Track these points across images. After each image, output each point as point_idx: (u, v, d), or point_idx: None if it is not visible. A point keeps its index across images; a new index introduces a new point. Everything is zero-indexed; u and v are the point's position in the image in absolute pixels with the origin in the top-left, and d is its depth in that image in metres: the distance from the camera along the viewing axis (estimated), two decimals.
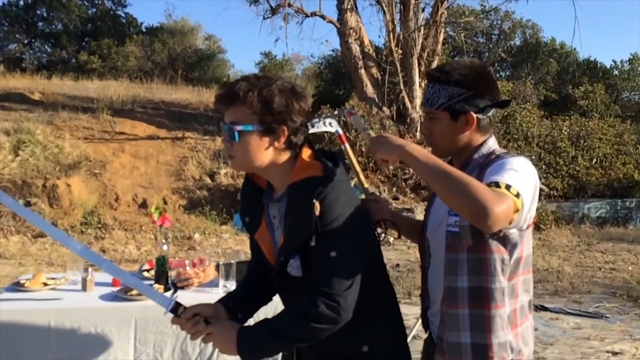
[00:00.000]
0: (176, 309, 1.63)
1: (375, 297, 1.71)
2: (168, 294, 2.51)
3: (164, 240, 2.65)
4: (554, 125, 14.71)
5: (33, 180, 9.52)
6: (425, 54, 13.77)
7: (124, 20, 26.18)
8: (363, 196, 2.06)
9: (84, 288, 2.55)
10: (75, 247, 1.61)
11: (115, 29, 24.94)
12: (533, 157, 12.88)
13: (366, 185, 2.03)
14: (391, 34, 13.13)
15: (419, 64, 13.53)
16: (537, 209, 1.51)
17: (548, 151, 13.44)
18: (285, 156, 1.63)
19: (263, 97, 1.56)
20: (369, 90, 13.09)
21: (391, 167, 2.21)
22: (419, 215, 10.72)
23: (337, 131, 2.03)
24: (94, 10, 26.10)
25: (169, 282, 2.64)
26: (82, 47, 24.40)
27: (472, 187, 1.40)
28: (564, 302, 6.15)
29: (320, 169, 1.60)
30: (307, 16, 12.96)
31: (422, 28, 13.62)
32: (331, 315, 1.52)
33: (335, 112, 1.96)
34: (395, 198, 11.51)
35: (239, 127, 1.57)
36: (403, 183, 11.90)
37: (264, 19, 12.76)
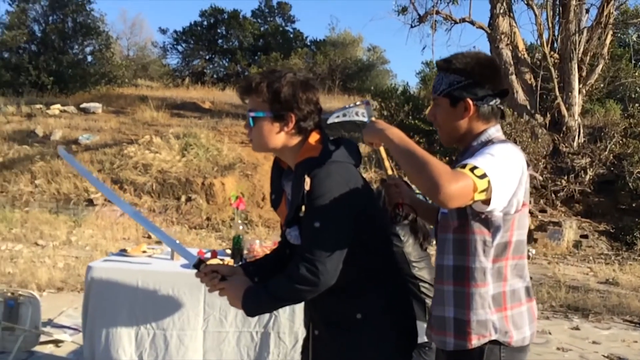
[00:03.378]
0: (198, 264, 1.93)
1: (371, 271, 1.85)
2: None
3: (239, 222, 3.00)
4: None
5: (194, 178, 10.72)
6: (588, 57, 12.79)
7: (291, 35, 27.99)
8: (418, 192, 2.18)
9: (172, 257, 2.99)
10: (128, 210, 2.00)
11: (283, 43, 26.76)
12: None
13: (390, 172, 2.16)
14: (542, 37, 12.42)
15: (580, 68, 12.60)
16: None
17: None
18: (296, 140, 1.85)
19: (272, 88, 1.80)
20: (520, 97, 12.50)
21: (381, 150, 2.27)
22: (567, 230, 10.02)
23: (368, 120, 2.19)
24: (266, 27, 28.30)
25: (242, 258, 2.98)
26: (253, 61, 26.48)
27: (430, 166, 1.50)
28: None
29: (318, 151, 1.80)
30: (455, 23, 12.78)
31: (584, 31, 12.68)
32: (311, 278, 1.69)
33: (358, 103, 2.12)
34: (542, 210, 10.86)
35: (253, 114, 1.83)
36: (553, 195, 11.18)
37: (412, 27, 12.87)
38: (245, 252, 3.01)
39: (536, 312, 1.84)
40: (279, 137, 1.83)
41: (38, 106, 14.44)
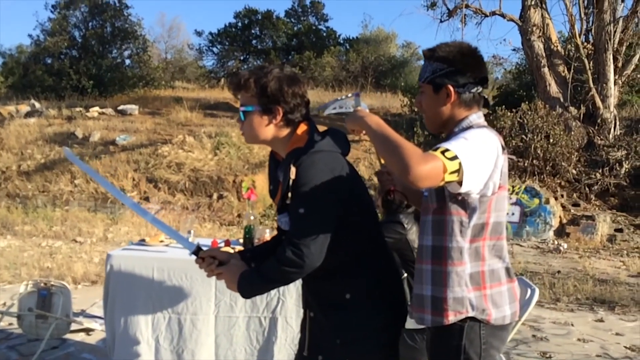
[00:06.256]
0: (197, 251, 2.05)
1: (359, 254, 1.93)
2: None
3: (250, 212, 3.13)
4: None
5: (226, 176, 10.97)
6: (624, 48, 12.49)
7: (324, 34, 28.12)
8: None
9: None
10: (129, 203, 2.14)
11: (316, 42, 26.90)
12: None
13: (383, 160, 2.24)
14: (575, 28, 12.19)
15: (615, 59, 12.31)
16: None
17: None
18: (285, 131, 1.95)
19: (260, 83, 1.91)
20: (553, 89, 12.30)
21: (359, 137, 2.33)
22: (600, 224, 9.83)
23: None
24: (299, 26, 28.50)
25: (254, 246, 3.11)
26: (287, 61, 26.69)
27: (401, 149, 1.59)
28: None
29: (304, 142, 1.90)
30: (485, 16, 12.67)
31: (620, 20, 12.39)
32: (297, 260, 1.79)
33: (349, 95, 2.21)
34: (575, 204, 10.67)
35: (243, 108, 1.95)
36: (587, 188, 10.97)
37: (441, 22, 12.81)
38: (256, 241, 3.13)
39: (518, 292, 1.89)
40: (269, 129, 1.94)
41: (78, 109, 14.99)
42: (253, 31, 28.15)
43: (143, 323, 2.92)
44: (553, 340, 4.59)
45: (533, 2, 12.46)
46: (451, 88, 1.82)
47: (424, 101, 1.90)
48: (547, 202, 10.04)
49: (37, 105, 15.40)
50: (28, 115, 14.78)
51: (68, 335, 4.09)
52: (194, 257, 2.06)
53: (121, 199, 2.14)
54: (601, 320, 5.23)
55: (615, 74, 12.29)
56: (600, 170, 11.12)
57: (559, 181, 11.13)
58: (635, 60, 12.72)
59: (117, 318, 2.96)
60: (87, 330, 4.37)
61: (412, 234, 2.96)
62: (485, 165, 1.69)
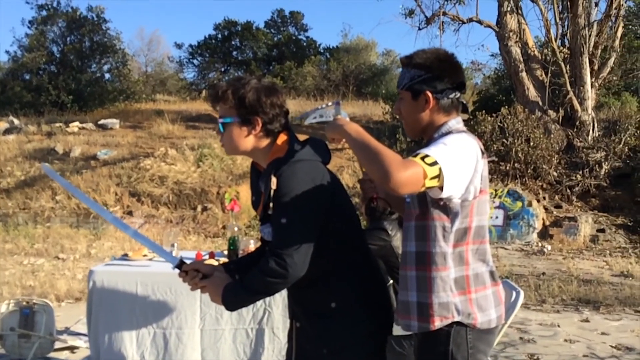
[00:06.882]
0: (180, 265, 2.03)
1: (343, 262, 1.93)
2: None
3: (234, 223, 3.11)
4: None
5: (209, 188, 10.92)
6: (599, 51, 12.71)
7: (304, 44, 28.21)
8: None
9: None
10: (110, 218, 2.11)
11: (297, 52, 26.97)
12: None
13: (365, 168, 2.24)
14: (550, 33, 12.38)
15: (591, 62, 12.52)
16: None
17: None
18: (265, 142, 1.95)
19: (238, 94, 1.91)
20: (531, 93, 12.46)
21: (340, 145, 2.35)
22: (583, 225, 9.94)
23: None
24: (279, 36, 28.57)
25: (238, 258, 3.09)
26: (268, 71, 26.70)
27: (381, 155, 1.59)
28: None
29: (284, 151, 1.90)
30: (463, 23, 12.83)
31: (595, 24, 12.61)
32: (280, 270, 1.78)
33: (329, 104, 2.21)
34: (558, 206, 10.78)
35: (222, 120, 1.94)
36: (568, 190, 11.10)
37: (419, 29, 12.94)
38: (240, 252, 3.11)
39: (503, 295, 1.90)
40: (248, 140, 1.93)
41: (58, 124, 14.84)
42: (233, 42, 28.13)
43: (128, 339, 2.88)
44: (540, 342, 4.62)
45: (509, 8, 12.63)
46: (429, 94, 1.83)
47: (403, 108, 1.91)
48: (530, 204, 10.14)
49: (16, 121, 15.21)
50: (7, 132, 14.59)
51: (52, 354, 4.02)
52: (177, 271, 2.04)
53: (101, 213, 2.11)
54: (587, 321, 5.28)
55: (591, 76, 12.49)
56: (581, 172, 11.27)
57: (540, 184, 11.25)
58: (610, 62, 12.95)
59: (102, 335, 2.91)
60: (72, 348, 4.30)
61: (397, 240, 2.97)
62: (465, 169, 1.70)
